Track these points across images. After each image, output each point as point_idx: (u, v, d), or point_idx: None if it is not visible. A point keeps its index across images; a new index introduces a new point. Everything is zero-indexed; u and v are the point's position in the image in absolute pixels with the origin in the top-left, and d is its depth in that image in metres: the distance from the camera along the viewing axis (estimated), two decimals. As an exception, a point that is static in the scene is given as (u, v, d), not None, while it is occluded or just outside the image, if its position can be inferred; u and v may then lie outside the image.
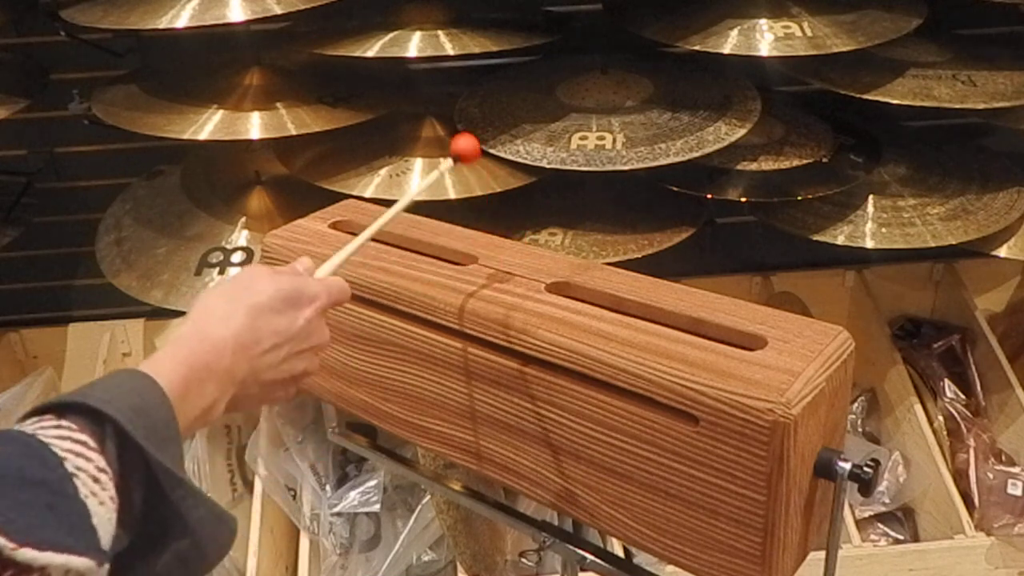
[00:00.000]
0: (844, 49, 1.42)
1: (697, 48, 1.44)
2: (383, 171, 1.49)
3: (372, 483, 1.64)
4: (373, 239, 0.98)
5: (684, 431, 0.73)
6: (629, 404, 0.76)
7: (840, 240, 1.61)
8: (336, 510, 1.63)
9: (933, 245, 1.59)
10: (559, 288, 0.87)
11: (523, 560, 1.58)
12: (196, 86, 1.52)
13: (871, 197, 1.67)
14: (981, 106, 1.49)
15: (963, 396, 1.85)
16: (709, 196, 1.57)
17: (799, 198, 1.58)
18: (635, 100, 1.56)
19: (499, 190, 1.47)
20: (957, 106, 1.49)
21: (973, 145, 1.87)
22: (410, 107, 1.60)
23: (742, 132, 1.47)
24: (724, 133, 1.46)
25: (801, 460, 0.71)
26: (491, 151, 1.48)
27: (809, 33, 1.44)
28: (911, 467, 1.77)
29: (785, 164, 1.58)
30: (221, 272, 1.52)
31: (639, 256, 1.50)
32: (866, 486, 0.73)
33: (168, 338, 0.64)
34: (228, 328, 0.64)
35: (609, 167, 1.41)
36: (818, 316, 0.85)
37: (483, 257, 0.92)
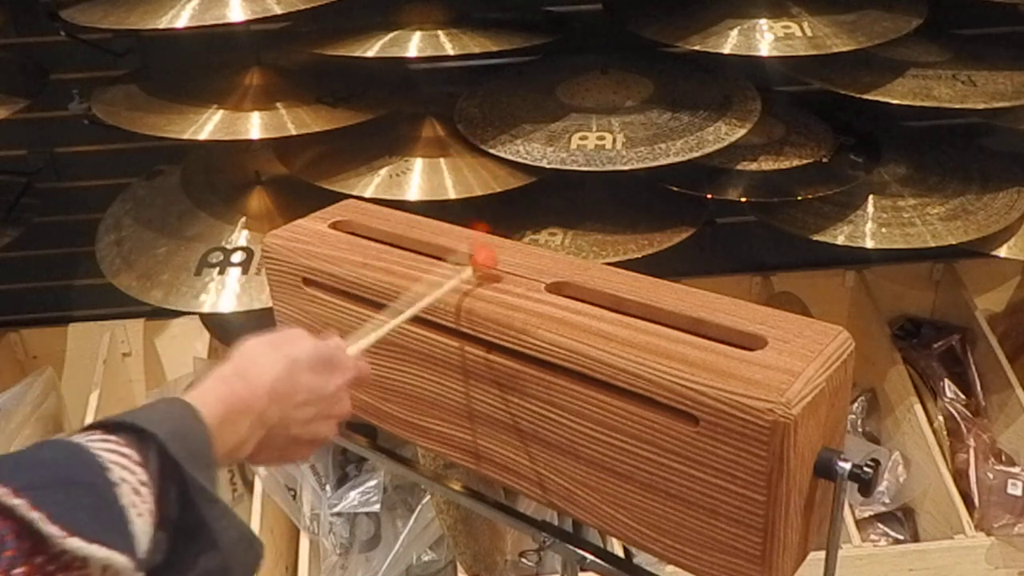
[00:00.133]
0: (844, 49, 1.42)
1: (697, 48, 1.44)
2: (383, 171, 1.49)
3: (372, 483, 1.64)
4: (373, 239, 0.99)
5: (684, 431, 0.73)
6: (629, 404, 0.76)
7: (840, 240, 1.61)
8: (336, 510, 1.63)
9: (933, 245, 1.59)
10: (559, 288, 0.87)
11: (523, 560, 1.58)
12: (196, 86, 1.52)
13: (871, 197, 1.67)
14: (981, 106, 1.49)
15: (963, 396, 1.86)
16: (709, 196, 1.57)
17: (799, 198, 1.58)
18: (635, 100, 1.56)
19: (499, 190, 1.47)
20: (957, 106, 1.49)
21: (973, 145, 1.88)
22: (410, 107, 1.60)
23: (742, 132, 1.47)
24: (724, 133, 1.46)
25: (801, 460, 0.71)
26: (491, 151, 1.48)
27: (809, 33, 1.44)
28: (911, 467, 1.77)
29: (785, 164, 1.58)
30: (221, 272, 1.52)
31: (639, 256, 1.50)
32: (866, 486, 0.73)
33: (209, 374, 0.67)
34: (268, 373, 0.68)
35: (609, 167, 1.41)
36: (818, 316, 0.85)
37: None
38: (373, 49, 1.42)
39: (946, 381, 1.87)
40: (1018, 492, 1.64)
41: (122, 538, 0.51)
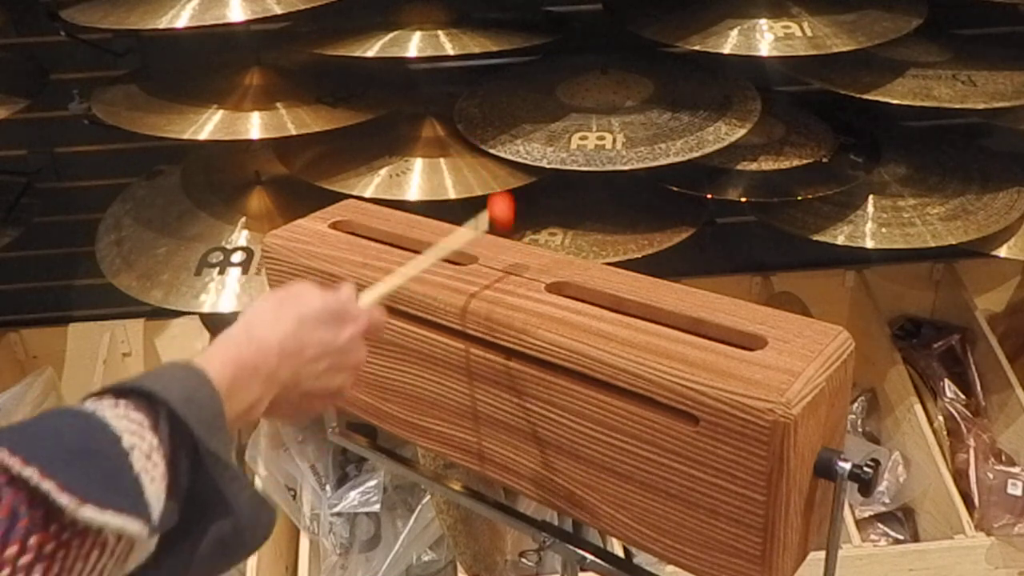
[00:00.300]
0: (844, 49, 1.42)
1: (697, 48, 1.44)
2: (383, 171, 1.49)
3: (372, 483, 1.64)
4: (373, 239, 0.99)
5: (684, 431, 0.73)
6: (629, 404, 0.76)
7: (840, 240, 1.61)
8: (336, 510, 1.63)
9: (933, 245, 1.59)
10: (559, 288, 0.87)
11: (523, 560, 1.58)
12: (196, 86, 1.52)
13: (871, 197, 1.67)
14: (981, 106, 1.49)
15: (963, 396, 1.86)
16: (709, 196, 1.57)
17: (799, 198, 1.58)
18: (635, 100, 1.56)
19: (499, 190, 1.47)
20: (957, 106, 1.49)
21: (973, 145, 1.87)
22: (410, 107, 1.60)
23: (742, 132, 1.47)
24: (724, 133, 1.46)
25: (801, 460, 0.71)
26: (491, 151, 1.48)
27: (809, 33, 1.44)
28: (911, 467, 1.77)
29: (785, 164, 1.58)
30: (221, 272, 1.52)
31: (639, 256, 1.50)
32: (866, 486, 0.73)
33: (218, 338, 0.66)
34: (275, 332, 0.67)
35: (609, 167, 1.41)
36: (818, 316, 0.85)
37: (483, 257, 0.92)
38: (373, 49, 1.42)
39: (946, 381, 1.87)
40: (1018, 492, 1.64)
41: (136, 505, 0.51)
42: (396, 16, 1.51)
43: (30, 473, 0.47)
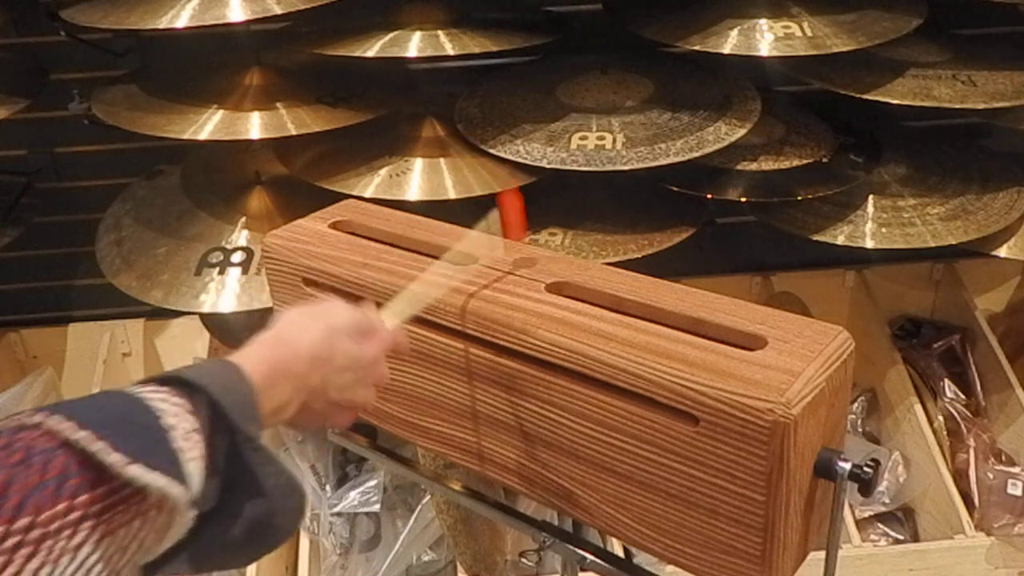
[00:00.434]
0: (844, 49, 1.42)
1: (697, 48, 1.44)
2: (383, 171, 1.49)
3: (372, 483, 1.64)
4: (373, 239, 0.99)
5: (684, 431, 0.73)
6: (629, 404, 0.76)
7: (840, 240, 1.61)
8: (336, 510, 1.63)
9: (933, 245, 1.59)
10: (559, 288, 0.87)
11: (523, 560, 1.58)
12: (196, 86, 1.52)
13: (871, 197, 1.67)
14: (981, 106, 1.49)
15: (963, 396, 1.86)
16: (709, 196, 1.57)
17: (799, 198, 1.58)
18: (635, 100, 1.56)
19: (499, 190, 1.47)
20: (957, 106, 1.49)
21: (973, 145, 1.87)
22: (410, 107, 1.60)
23: (742, 132, 1.47)
24: (724, 133, 1.46)
25: (801, 460, 0.71)
26: (491, 151, 1.48)
27: (809, 33, 1.44)
28: (911, 467, 1.77)
29: (785, 164, 1.58)
30: (221, 272, 1.52)
31: (639, 256, 1.50)
32: (866, 486, 0.73)
33: (252, 340, 0.68)
34: (307, 339, 0.69)
35: (609, 167, 1.41)
36: (818, 316, 0.85)
37: (483, 257, 0.92)
38: (373, 49, 1.42)
39: (946, 381, 1.87)
40: (1018, 492, 1.64)
41: (178, 472, 0.53)
42: (396, 16, 1.51)
43: (82, 436, 0.49)
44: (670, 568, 0.85)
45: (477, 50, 1.43)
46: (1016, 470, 1.69)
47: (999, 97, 1.50)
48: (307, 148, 1.56)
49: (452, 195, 1.45)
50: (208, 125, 1.42)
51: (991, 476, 1.67)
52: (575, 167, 1.41)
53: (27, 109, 1.54)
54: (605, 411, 0.78)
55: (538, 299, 0.85)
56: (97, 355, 1.89)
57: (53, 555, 0.47)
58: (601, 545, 0.97)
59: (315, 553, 1.63)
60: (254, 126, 1.42)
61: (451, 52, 1.42)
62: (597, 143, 1.45)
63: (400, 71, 1.71)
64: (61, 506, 0.48)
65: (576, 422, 0.81)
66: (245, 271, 1.52)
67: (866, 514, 1.76)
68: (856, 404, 1.93)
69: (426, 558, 1.61)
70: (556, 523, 0.97)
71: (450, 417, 0.92)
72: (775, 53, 1.42)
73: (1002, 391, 1.82)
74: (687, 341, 0.76)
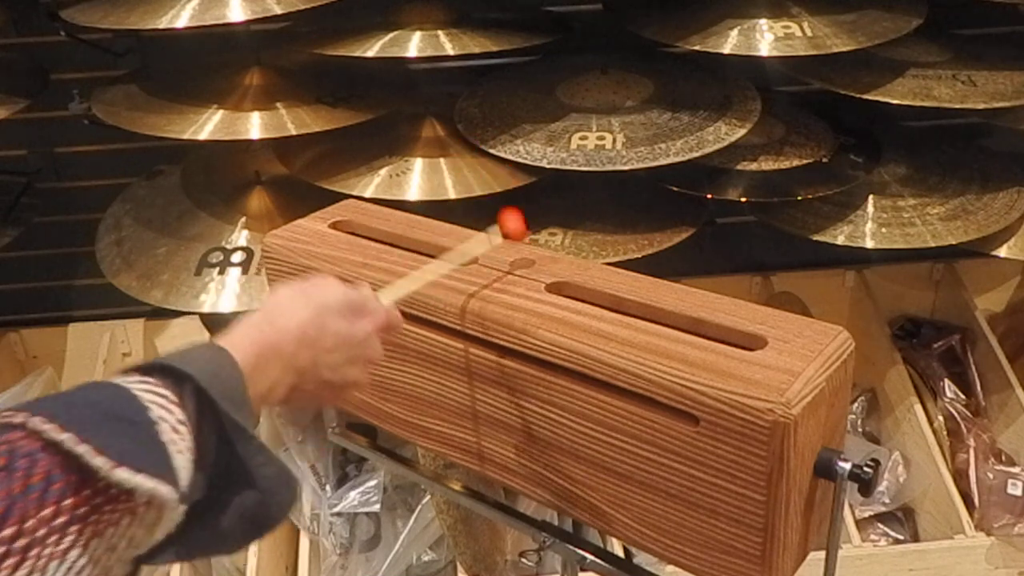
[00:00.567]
0: (844, 49, 1.42)
1: (697, 48, 1.44)
2: (383, 171, 1.49)
3: (372, 483, 1.64)
4: (373, 239, 0.99)
5: (684, 431, 0.73)
6: (629, 404, 0.76)
7: (840, 240, 1.61)
8: (336, 510, 1.63)
9: (933, 245, 1.59)
10: (559, 288, 0.87)
11: (523, 560, 1.58)
12: (196, 86, 1.52)
13: (871, 197, 1.67)
14: (981, 106, 1.49)
15: (963, 396, 1.86)
16: (709, 196, 1.57)
17: (799, 198, 1.58)
18: (635, 100, 1.56)
19: (499, 190, 1.47)
20: (957, 106, 1.49)
21: (973, 145, 1.87)
22: (410, 107, 1.60)
23: (742, 132, 1.47)
24: (724, 133, 1.46)
25: (801, 460, 0.71)
26: (491, 151, 1.48)
27: (809, 33, 1.44)
28: (911, 467, 1.77)
29: (785, 164, 1.58)
30: (221, 272, 1.52)
31: (639, 256, 1.50)
32: (866, 486, 0.73)
33: (239, 321, 0.68)
34: (295, 319, 0.68)
35: (609, 167, 1.41)
36: (818, 316, 0.85)
37: (483, 257, 0.92)
38: (373, 49, 1.42)
39: (946, 381, 1.87)
40: (1018, 492, 1.64)
41: (166, 471, 0.52)
42: (396, 16, 1.51)
43: (65, 438, 0.48)
44: (670, 568, 0.85)
45: (477, 50, 1.43)
46: (1016, 470, 1.69)
47: (999, 97, 1.50)
48: (307, 148, 1.57)
49: (452, 195, 1.45)
50: (208, 125, 1.42)
51: (991, 476, 1.67)
52: (575, 167, 1.41)
53: (27, 109, 1.54)
54: (605, 411, 0.78)
55: (538, 299, 0.85)
56: (97, 355, 1.89)
57: (41, 562, 0.47)
58: (601, 545, 0.97)
59: (315, 553, 1.63)
60: (254, 126, 1.42)
61: (451, 52, 1.42)
62: (597, 143, 1.45)
63: (400, 71, 1.71)
64: (47, 511, 0.47)
65: (576, 422, 0.81)
66: (245, 271, 1.52)
67: (866, 514, 1.76)
68: (856, 404, 1.93)
69: (426, 558, 1.61)
70: (556, 523, 0.97)
71: (450, 417, 0.93)
72: (775, 53, 1.42)
73: (1002, 391, 1.82)
74: (687, 341, 0.76)
